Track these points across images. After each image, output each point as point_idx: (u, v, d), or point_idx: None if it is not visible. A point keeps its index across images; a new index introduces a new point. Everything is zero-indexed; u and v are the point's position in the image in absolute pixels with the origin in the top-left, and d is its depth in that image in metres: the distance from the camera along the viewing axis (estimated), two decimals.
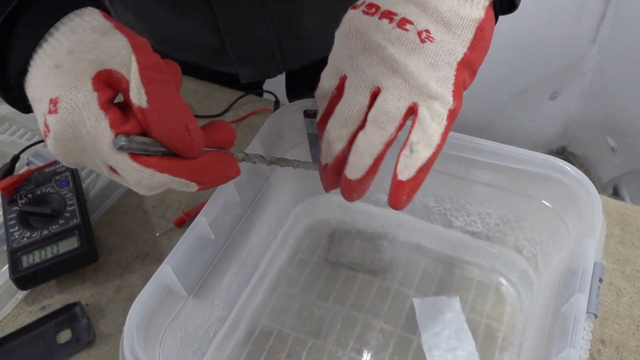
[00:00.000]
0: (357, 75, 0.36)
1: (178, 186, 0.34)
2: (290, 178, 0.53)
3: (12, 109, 0.36)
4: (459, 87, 0.35)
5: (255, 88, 0.75)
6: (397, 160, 0.34)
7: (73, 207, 0.57)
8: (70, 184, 0.60)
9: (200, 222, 0.41)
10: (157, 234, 0.60)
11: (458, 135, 0.46)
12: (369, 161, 0.35)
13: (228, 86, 0.75)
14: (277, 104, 0.70)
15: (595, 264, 0.37)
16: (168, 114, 0.31)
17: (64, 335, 0.52)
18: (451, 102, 0.35)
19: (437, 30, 0.35)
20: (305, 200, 0.57)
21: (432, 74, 0.34)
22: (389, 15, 0.35)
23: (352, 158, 0.35)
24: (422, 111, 0.34)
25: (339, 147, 0.36)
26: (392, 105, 0.34)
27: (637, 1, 1.27)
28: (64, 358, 0.51)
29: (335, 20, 0.39)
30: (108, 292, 0.55)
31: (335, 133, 0.36)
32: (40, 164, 0.63)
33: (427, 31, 0.35)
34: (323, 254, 0.57)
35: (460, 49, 0.35)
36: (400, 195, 0.34)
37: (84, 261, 0.55)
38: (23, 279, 0.53)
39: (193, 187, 0.34)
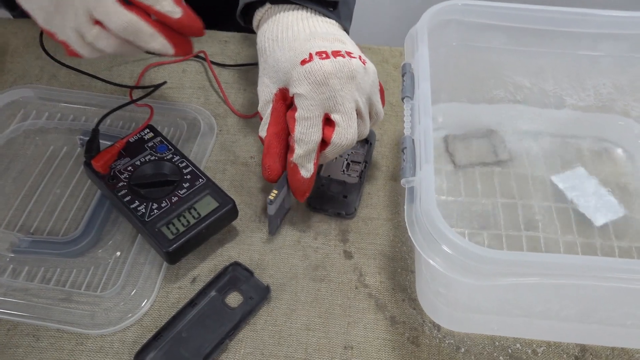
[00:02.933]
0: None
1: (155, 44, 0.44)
2: None
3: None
4: None
5: None
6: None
7: (189, 169, 0.52)
8: (170, 147, 0.54)
9: None
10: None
11: (584, 11, 0.50)
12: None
13: None
14: None
15: None
16: None
17: (234, 299, 0.48)
18: None
19: None
20: None
21: None
22: None
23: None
24: None
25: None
26: None
27: None
28: (249, 319, 0.47)
29: None
30: (254, 247, 0.52)
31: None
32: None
33: None
34: (448, 159, 0.58)
35: None
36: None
37: (228, 219, 0.51)
38: (175, 251, 0.47)
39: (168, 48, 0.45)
